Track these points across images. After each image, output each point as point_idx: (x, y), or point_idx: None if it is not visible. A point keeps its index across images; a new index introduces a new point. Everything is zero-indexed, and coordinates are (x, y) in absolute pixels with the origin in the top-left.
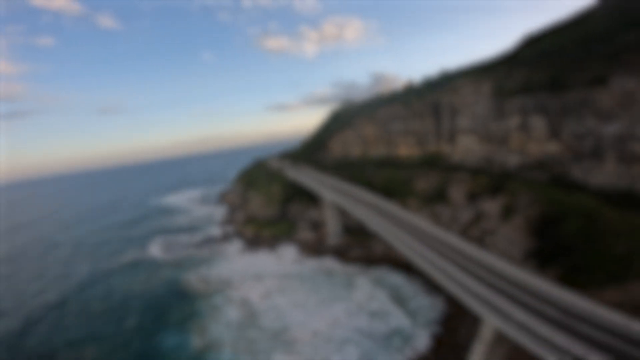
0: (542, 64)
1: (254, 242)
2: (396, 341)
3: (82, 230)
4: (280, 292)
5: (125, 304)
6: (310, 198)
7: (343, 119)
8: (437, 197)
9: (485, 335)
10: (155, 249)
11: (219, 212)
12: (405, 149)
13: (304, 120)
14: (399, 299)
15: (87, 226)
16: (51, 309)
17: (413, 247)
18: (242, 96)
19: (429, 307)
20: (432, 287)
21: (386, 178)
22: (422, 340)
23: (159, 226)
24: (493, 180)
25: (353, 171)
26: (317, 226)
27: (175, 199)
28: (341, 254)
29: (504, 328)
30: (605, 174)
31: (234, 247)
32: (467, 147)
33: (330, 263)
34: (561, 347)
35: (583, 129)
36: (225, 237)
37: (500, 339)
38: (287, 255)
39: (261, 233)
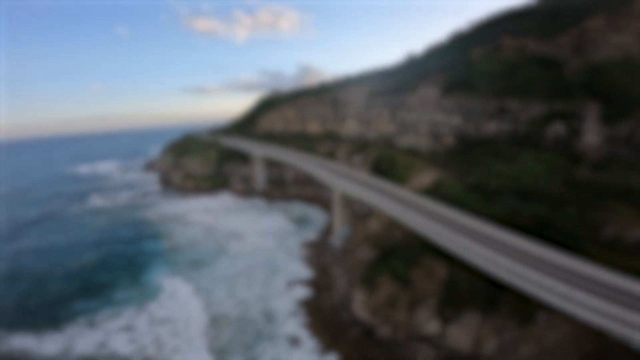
0: (395, 77)
1: (195, 191)
2: (298, 235)
3: None
4: (225, 217)
5: (93, 233)
6: (241, 159)
7: (271, 104)
8: (330, 155)
9: (336, 198)
10: (98, 201)
11: (150, 176)
12: (313, 127)
13: (225, 105)
14: (303, 216)
15: None
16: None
17: (311, 168)
18: (158, 76)
19: (321, 219)
20: (325, 210)
21: (300, 145)
22: (312, 233)
23: (89, 187)
24: (361, 146)
25: (276, 141)
26: (247, 180)
27: (91, 169)
28: (266, 195)
29: (345, 190)
30: (406, 140)
31: (177, 195)
32: (350, 127)
33: (257, 201)
34: (373, 199)
35: (402, 117)
36: (166, 190)
37: (345, 200)
38: (225, 199)
39: (201, 185)
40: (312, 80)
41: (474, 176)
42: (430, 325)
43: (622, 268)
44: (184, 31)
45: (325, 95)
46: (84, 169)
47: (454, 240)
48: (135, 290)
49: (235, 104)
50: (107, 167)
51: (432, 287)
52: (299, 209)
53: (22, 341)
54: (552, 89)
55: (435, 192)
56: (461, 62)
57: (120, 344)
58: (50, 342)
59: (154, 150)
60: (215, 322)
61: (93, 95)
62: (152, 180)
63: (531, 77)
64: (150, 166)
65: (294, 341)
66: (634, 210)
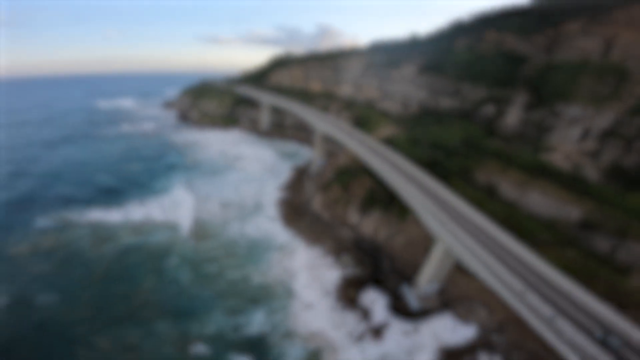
0: (391, 52)
1: (210, 126)
2: (288, 162)
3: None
4: (234, 146)
5: (130, 149)
6: (250, 105)
7: (282, 63)
8: (325, 109)
9: (317, 137)
10: (127, 127)
11: (169, 113)
12: (315, 86)
13: (239, 56)
14: (294, 151)
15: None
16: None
17: (305, 114)
18: (172, 23)
19: (307, 155)
20: (313, 149)
21: (301, 98)
22: (298, 162)
23: (115, 117)
24: (349, 105)
25: (283, 94)
26: (254, 121)
27: (111, 104)
28: (268, 134)
29: (325, 131)
30: (384, 105)
31: (195, 128)
32: (345, 90)
33: (261, 138)
34: (341, 137)
35: (385, 87)
36: (184, 124)
37: (324, 139)
38: (235, 133)
39: (215, 122)
40: (330, 42)
41: (415, 133)
42: (353, 217)
43: (468, 196)
44: None
45: (330, 62)
46: (104, 103)
47: (380, 165)
48: (168, 185)
49: (249, 56)
50: (126, 103)
51: (361, 193)
52: (293, 146)
53: (95, 214)
54: (499, 79)
55: (388, 141)
56: (445, 49)
57: (157, 214)
58: (114, 214)
59: (170, 92)
60: (224, 205)
61: (106, 38)
62: (171, 116)
63: (490, 67)
64: (168, 105)
65: (271, 219)
66: (499, 166)
